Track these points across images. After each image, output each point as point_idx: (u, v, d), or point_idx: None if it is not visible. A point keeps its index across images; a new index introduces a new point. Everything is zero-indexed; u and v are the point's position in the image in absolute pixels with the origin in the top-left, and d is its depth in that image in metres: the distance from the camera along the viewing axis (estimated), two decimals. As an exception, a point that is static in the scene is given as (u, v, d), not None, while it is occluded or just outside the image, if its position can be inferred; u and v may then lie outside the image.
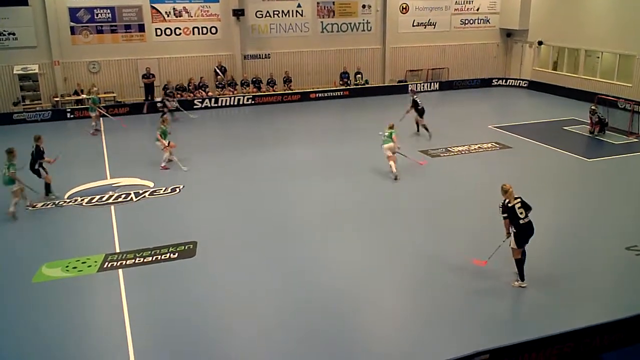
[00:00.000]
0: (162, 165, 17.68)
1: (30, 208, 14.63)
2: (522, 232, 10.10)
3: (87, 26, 26.24)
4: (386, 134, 16.37)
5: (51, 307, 10.05)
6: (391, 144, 16.23)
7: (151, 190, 15.79)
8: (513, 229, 10.17)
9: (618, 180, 16.71)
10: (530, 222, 10.13)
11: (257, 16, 28.85)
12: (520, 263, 10.31)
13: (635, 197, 15.26)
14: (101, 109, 23.28)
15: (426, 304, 10.04)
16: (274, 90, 28.59)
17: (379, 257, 11.77)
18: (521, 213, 10.06)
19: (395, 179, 16.16)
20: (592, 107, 21.40)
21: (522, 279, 10.38)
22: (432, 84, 31.57)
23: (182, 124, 23.92)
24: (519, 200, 10.12)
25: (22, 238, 13.01)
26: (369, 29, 31.18)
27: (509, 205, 10.10)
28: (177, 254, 11.88)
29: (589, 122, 21.45)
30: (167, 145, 17.57)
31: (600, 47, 27.96)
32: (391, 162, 16.31)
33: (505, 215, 10.16)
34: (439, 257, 11.69)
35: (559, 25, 29.96)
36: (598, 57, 28.34)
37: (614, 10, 26.96)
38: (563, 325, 8.63)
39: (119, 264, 11.52)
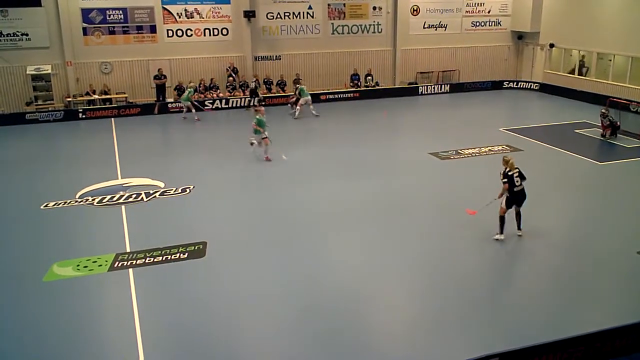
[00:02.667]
0: (266, 156, 18.43)
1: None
2: (514, 197, 12.10)
3: (100, 27, 26.43)
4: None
5: (62, 306, 10.10)
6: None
7: (162, 190, 15.85)
8: (507, 193, 12.04)
9: (630, 183, 16.59)
10: (523, 190, 12.13)
11: (268, 18, 28.92)
12: (501, 219, 12.28)
13: (647, 201, 15.14)
14: (193, 103, 24.61)
15: (435, 305, 10.00)
16: (284, 92, 28.62)
17: (388, 258, 11.74)
18: (517, 181, 12.01)
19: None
20: (603, 110, 21.26)
21: (501, 232, 12.32)
22: (443, 86, 31.47)
23: (190, 124, 24.03)
24: (517, 170, 12.09)
25: (34, 237, 13.10)
26: (379, 30, 31.17)
27: (509, 173, 12.01)
28: (187, 254, 11.92)
29: (600, 125, 21.32)
30: (266, 136, 18.27)
31: (612, 49, 27.79)
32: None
33: (505, 180, 11.98)
34: (448, 258, 11.65)
35: (570, 27, 29.79)
36: (610, 60, 28.18)
37: (627, 13, 26.79)
38: (574, 329, 8.57)
39: (129, 263, 11.57)
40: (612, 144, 20.45)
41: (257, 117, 18.44)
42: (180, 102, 25.26)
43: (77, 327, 9.43)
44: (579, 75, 30.01)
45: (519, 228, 12.44)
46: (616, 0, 27.36)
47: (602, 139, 21.04)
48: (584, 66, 29.98)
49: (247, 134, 19.19)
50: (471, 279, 10.81)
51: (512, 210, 12.29)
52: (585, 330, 8.33)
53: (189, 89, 24.82)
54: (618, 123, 21.20)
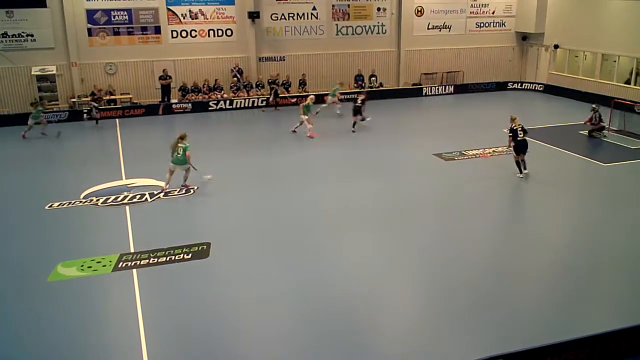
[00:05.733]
0: (309, 134, 21.34)
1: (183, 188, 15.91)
2: (519, 146, 16.48)
3: (104, 28, 26.49)
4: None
5: (66, 306, 10.13)
6: None
7: (166, 191, 15.87)
8: (513, 142, 16.46)
9: (634, 185, 16.54)
10: (525, 140, 16.41)
11: (272, 18, 28.95)
12: (517, 164, 16.73)
13: (652, 202, 15.08)
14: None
15: (439, 306, 9.98)
16: (288, 93, 28.64)
17: (392, 259, 11.74)
18: (520, 133, 16.34)
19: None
20: (594, 106, 21.55)
21: (520, 172, 16.69)
22: (447, 87, 31.46)
23: (194, 125, 24.06)
24: (520, 126, 16.43)
25: (38, 237, 13.13)
26: (383, 31, 31.16)
27: (514, 128, 16.42)
28: (190, 255, 11.93)
29: (588, 119, 21.62)
30: (308, 118, 21.42)
31: (617, 50, 27.72)
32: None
33: (511, 134, 16.48)
34: (453, 259, 11.64)
35: (575, 29, 29.74)
36: (615, 61, 28.10)
37: (631, 14, 26.70)
38: (578, 330, 8.55)
39: (133, 263, 11.59)
40: (617, 146, 20.35)
41: (307, 103, 21.81)
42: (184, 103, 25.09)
43: (81, 328, 9.45)
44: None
45: (525, 169, 16.69)
46: (620, 2, 27.27)
47: (586, 133, 21.45)
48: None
49: (263, 132, 19.18)
50: (475, 280, 10.79)
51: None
52: (589, 332, 8.30)
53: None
54: (603, 124, 21.35)
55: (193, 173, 15.83)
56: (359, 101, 22.73)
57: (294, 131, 22.14)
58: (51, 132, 22.39)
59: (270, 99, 27.31)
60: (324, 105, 25.14)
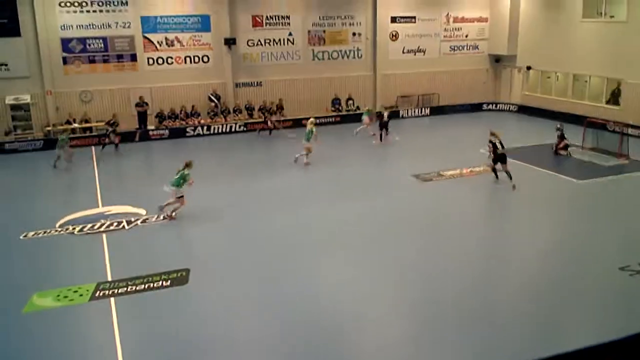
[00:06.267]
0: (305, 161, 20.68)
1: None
2: (498, 157, 17.75)
3: (80, 56, 26.37)
4: None
5: (42, 338, 9.90)
6: None
7: (143, 217, 15.71)
8: (492, 154, 17.83)
9: (608, 201, 16.81)
10: (503, 154, 17.74)
11: (248, 45, 29.10)
12: (494, 170, 18.12)
13: (626, 217, 15.31)
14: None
15: (424, 324, 9.98)
16: (266, 118, 28.65)
17: (373, 281, 11.71)
18: (497, 146, 17.67)
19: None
20: (558, 126, 22.12)
21: (497, 177, 18.14)
22: (423, 109, 31.83)
23: (172, 151, 23.93)
24: (499, 140, 17.72)
25: (13, 267, 12.88)
26: (359, 56, 31.51)
27: (494, 141, 17.75)
28: (169, 282, 11.78)
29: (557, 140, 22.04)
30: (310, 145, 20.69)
31: (588, 71, 28.34)
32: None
33: (490, 145, 17.83)
34: (434, 278, 11.65)
35: (546, 50, 30.36)
36: (586, 81, 28.70)
37: (600, 35, 27.39)
38: (557, 347, 8.57)
39: (110, 292, 11.40)
40: (590, 163, 20.69)
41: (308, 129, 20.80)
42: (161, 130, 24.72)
43: (58, 359, 9.23)
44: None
45: (510, 178, 17.60)
46: (589, 24, 27.97)
47: (554, 151, 21.84)
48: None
49: (242, 158, 19.11)
50: (458, 298, 10.80)
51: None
52: (569, 347, 8.31)
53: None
54: (566, 141, 21.74)
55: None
56: (386, 117, 24.08)
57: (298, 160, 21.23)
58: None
59: (269, 123, 27.00)
60: (362, 126, 25.58)
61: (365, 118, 25.68)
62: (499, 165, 17.87)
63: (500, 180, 18.00)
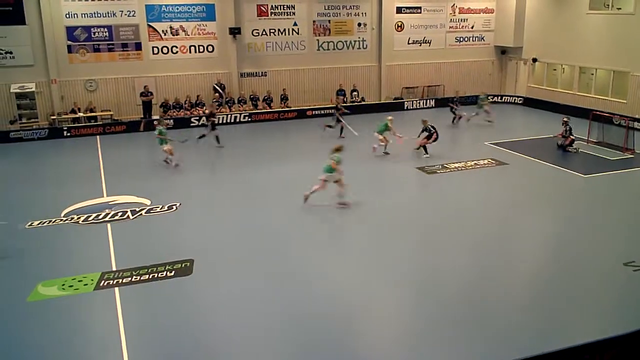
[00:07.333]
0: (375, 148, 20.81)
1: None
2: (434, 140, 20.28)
3: (84, 45, 26.36)
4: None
5: (46, 327, 9.95)
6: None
7: (148, 208, 15.74)
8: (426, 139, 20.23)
9: (614, 196, 16.77)
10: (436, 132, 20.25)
11: (253, 34, 29.03)
12: (424, 148, 20.43)
13: (632, 212, 15.27)
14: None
15: (425, 319, 9.99)
16: (270, 108, 28.66)
17: (380, 273, 11.73)
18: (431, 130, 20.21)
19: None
20: (565, 119, 21.80)
21: (427, 153, 20.40)
22: (428, 100, 31.73)
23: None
24: (431, 125, 20.27)
25: (18, 257, 12.91)
26: (364, 46, 31.41)
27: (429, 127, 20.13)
28: (173, 272, 11.81)
29: (561, 133, 21.75)
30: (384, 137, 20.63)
31: (594, 64, 28.19)
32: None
33: (426, 132, 20.37)
34: (438, 271, 11.67)
35: (552, 42, 30.21)
36: (592, 74, 28.55)
37: (607, 27, 27.23)
38: (562, 342, 8.58)
39: (115, 282, 11.45)
40: (596, 157, 20.62)
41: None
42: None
43: (63, 349, 9.29)
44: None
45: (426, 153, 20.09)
46: (596, 16, 27.79)
47: (559, 145, 21.61)
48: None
49: (247, 147, 19.08)
50: (461, 292, 10.82)
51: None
52: (573, 342, 8.33)
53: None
54: (572, 137, 21.46)
55: (177, 188, 15.68)
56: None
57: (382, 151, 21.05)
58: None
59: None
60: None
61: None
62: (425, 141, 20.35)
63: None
